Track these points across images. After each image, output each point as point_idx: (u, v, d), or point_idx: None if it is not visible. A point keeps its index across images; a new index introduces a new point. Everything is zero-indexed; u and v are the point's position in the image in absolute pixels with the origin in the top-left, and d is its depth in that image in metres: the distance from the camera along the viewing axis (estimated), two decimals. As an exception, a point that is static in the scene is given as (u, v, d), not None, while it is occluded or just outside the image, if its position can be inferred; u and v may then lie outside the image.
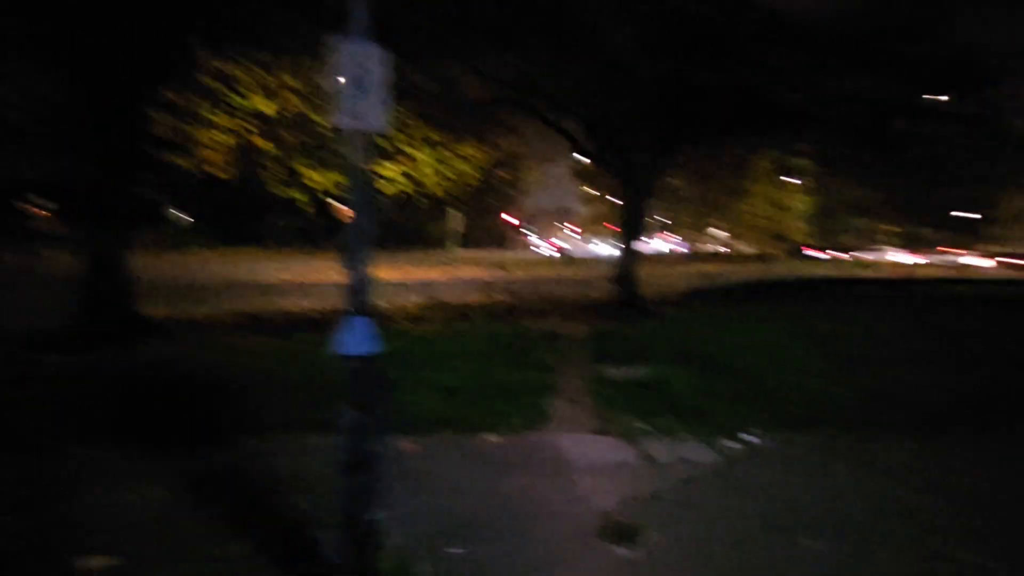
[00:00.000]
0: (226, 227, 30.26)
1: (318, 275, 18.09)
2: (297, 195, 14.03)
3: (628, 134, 14.69)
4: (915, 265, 29.42)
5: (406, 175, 17.24)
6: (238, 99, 15.04)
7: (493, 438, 4.17)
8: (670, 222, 42.45)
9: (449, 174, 17.22)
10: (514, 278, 20.35)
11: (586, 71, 13.70)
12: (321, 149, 15.01)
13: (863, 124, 13.21)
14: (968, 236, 30.89)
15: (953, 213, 19.58)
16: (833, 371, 6.28)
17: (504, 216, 26.88)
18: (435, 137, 16.03)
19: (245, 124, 16.99)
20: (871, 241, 38.06)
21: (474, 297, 13.16)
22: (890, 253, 35.21)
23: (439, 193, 16.93)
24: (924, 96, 13.48)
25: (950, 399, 5.34)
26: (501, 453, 3.92)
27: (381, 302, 12.04)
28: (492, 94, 14.33)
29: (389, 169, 16.44)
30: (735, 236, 37.93)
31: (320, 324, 8.58)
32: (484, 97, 14.56)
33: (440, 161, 17.39)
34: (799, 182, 33.09)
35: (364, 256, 2.09)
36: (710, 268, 29.21)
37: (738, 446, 4.13)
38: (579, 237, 56.71)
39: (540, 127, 16.90)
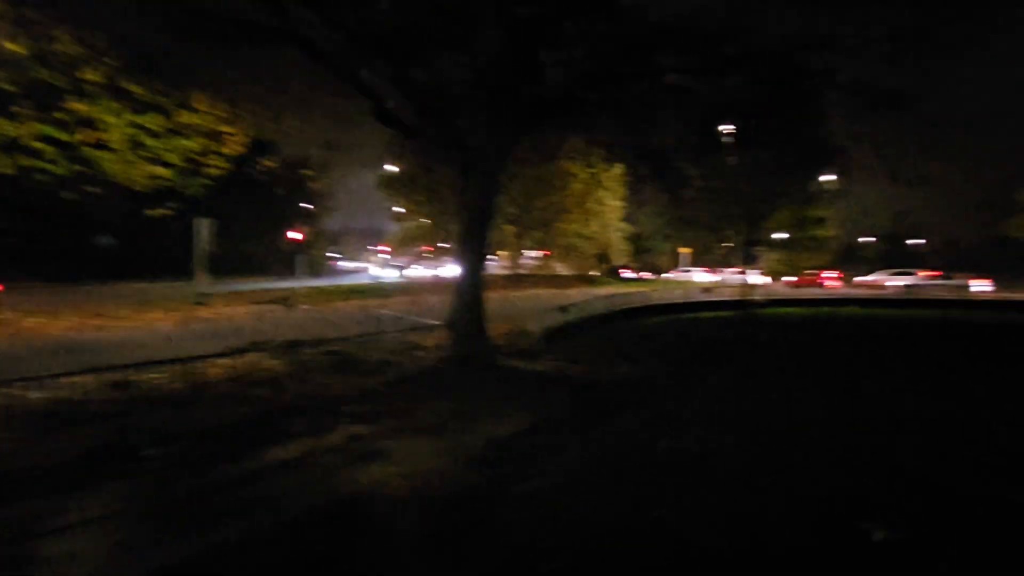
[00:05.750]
0: None
1: None
2: None
3: (465, 108, 9.80)
4: (723, 284, 30.41)
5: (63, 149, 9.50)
6: None
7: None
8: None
9: (169, 155, 10.30)
10: (297, 319, 13.74)
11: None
12: None
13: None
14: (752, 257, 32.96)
15: (775, 235, 19.83)
16: None
17: (291, 234, 19.68)
18: (132, 89, 9.06)
19: None
20: (676, 261, 40.25)
21: (199, 369, 6.65)
22: (695, 273, 37.25)
23: (129, 182, 9.58)
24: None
25: None
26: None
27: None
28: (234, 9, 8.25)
29: (22, 130, 8.98)
30: (560, 256, 36.15)
31: None
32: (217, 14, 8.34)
33: (142, 130, 10.03)
34: (620, 203, 32.63)
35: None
36: (543, 292, 26.08)
37: None
38: (394, 259, 50.65)
39: (336, 105, 11.07)
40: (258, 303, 17.17)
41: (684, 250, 41.81)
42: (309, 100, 11.03)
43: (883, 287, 30.06)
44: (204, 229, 16.58)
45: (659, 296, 19.59)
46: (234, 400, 6.04)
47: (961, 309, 20.84)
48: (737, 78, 9.08)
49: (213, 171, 11.20)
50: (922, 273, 31.29)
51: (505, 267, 42.60)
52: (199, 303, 16.11)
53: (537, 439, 5.08)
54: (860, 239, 46.68)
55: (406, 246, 36.44)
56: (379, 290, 25.94)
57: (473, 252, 9.61)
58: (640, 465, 4.41)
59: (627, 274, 40.29)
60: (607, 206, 32.98)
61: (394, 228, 38.61)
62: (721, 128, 11.41)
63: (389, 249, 43.91)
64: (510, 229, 36.66)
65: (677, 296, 20.26)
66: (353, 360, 8.62)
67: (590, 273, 36.65)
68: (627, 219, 36.81)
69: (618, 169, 29.12)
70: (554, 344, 10.86)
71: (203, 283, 17.63)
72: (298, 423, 5.31)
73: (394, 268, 37.08)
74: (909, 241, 49.15)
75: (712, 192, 16.30)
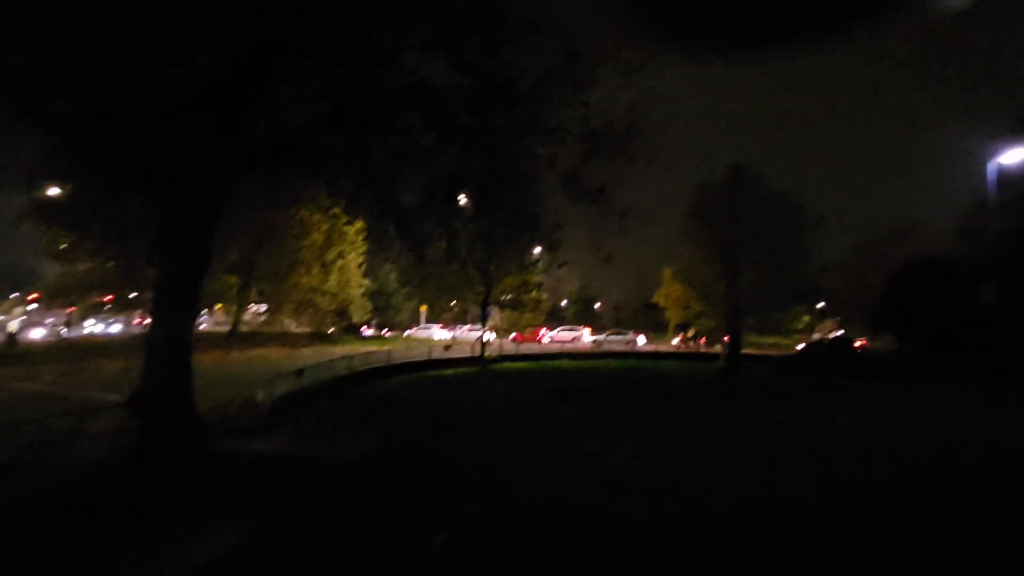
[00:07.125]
0: None
1: None
2: None
3: (175, 128, 7.90)
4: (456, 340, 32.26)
5: None
6: None
7: None
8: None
9: None
10: None
11: None
12: None
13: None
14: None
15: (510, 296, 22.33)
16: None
17: None
18: None
19: None
20: (417, 319, 40.99)
21: None
22: (434, 330, 38.63)
23: None
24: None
25: None
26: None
27: None
28: None
29: None
30: (293, 312, 32.65)
31: None
32: None
33: None
34: (361, 258, 31.70)
35: None
36: (274, 353, 22.93)
37: None
38: (45, 313, 38.27)
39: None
40: None
41: (423, 308, 43.01)
42: None
43: (580, 340, 37.21)
44: None
45: (401, 354, 19.26)
46: None
47: (637, 359, 26.97)
48: (476, 151, 9.70)
49: None
50: (584, 329, 40.70)
51: (224, 324, 36.36)
52: None
53: (253, 571, 3.84)
54: (562, 302, 56.35)
55: (72, 295, 27.73)
56: (22, 356, 18.77)
57: (177, 306, 7.56)
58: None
59: (367, 332, 39.00)
60: (348, 260, 31.66)
61: (54, 272, 29.01)
62: (460, 195, 12.02)
63: (36, 297, 32.72)
64: (232, 280, 31.71)
65: (419, 354, 20.28)
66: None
67: (327, 331, 34.14)
68: (369, 275, 36.01)
69: (360, 223, 28.46)
70: (287, 415, 9.25)
71: None
72: None
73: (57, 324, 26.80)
74: (596, 304, 61.90)
75: (453, 254, 17.09)
